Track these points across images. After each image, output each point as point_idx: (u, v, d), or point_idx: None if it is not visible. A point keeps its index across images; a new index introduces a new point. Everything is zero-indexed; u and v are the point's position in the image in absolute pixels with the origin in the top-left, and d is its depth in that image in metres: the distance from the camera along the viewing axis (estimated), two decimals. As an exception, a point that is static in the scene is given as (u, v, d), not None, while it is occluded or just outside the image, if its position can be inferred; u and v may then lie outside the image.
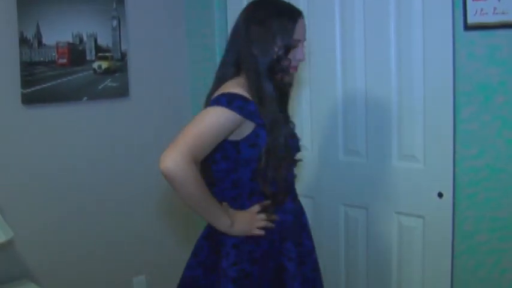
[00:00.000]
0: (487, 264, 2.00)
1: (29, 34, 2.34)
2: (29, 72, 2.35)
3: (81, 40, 2.51)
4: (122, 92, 2.67)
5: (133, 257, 2.77)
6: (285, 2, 1.62)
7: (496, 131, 1.93)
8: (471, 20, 1.91)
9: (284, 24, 1.54)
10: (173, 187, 1.46)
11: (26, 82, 2.35)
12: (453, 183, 2.04)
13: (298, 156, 1.71)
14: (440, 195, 2.06)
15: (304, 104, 2.44)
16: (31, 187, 2.42)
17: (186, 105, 2.88)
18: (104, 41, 2.58)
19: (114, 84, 2.64)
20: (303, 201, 1.78)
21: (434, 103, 2.05)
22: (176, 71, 2.88)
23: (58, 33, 2.43)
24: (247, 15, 1.59)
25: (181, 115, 2.82)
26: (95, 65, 2.57)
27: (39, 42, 2.37)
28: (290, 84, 1.68)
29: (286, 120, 1.67)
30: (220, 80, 1.61)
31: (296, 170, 1.72)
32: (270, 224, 1.60)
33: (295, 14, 1.57)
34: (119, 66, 2.64)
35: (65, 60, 2.46)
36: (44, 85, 2.41)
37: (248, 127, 1.53)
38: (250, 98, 1.51)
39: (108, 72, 2.61)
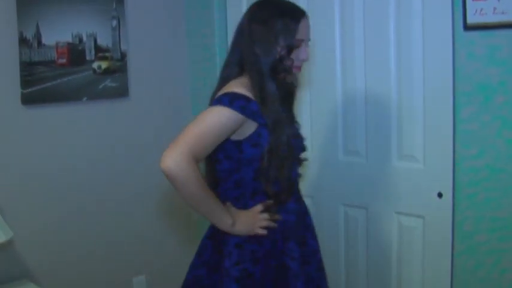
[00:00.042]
0: (487, 264, 2.00)
1: (29, 34, 2.34)
2: (29, 72, 2.35)
3: (80, 40, 2.51)
4: (121, 92, 2.67)
5: (133, 257, 2.76)
6: (289, 2, 1.63)
7: (496, 131, 1.94)
8: (471, 20, 1.91)
9: (287, 24, 1.54)
10: (174, 186, 1.47)
11: (25, 82, 2.35)
12: (453, 183, 2.04)
13: (303, 155, 1.71)
14: (440, 195, 2.06)
15: (304, 104, 2.44)
16: (31, 187, 2.42)
17: (186, 105, 2.88)
18: (104, 41, 2.58)
19: (114, 84, 2.63)
20: (303, 201, 1.79)
21: (434, 103, 2.05)
22: (176, 71, 2.88)
23: (58, 33, 2.43)
24: (251, 15, 1.60)
25: (181, 115, 2.82)
26: (95, 65, 2.56)
27: (39, 42, 2.37)
28: (294, 84, 1.68)
29: (292, 120, 1.68)
30: (224, 80, 1.61)
31: (301, 170, 1.72)
32: (272, 224, 1.60)
33: (298, 14, 1.58)
34: (119, 66, 2.64)
35: (64, 60, 2.46)
36: (44, 85, 2.41)
37: (250, 127, 1.53)
38: (252, 97, 1.52)
39: (107, 72, 2.60)
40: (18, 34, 2.31)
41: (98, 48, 2.56)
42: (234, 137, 1.54)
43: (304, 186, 2.29)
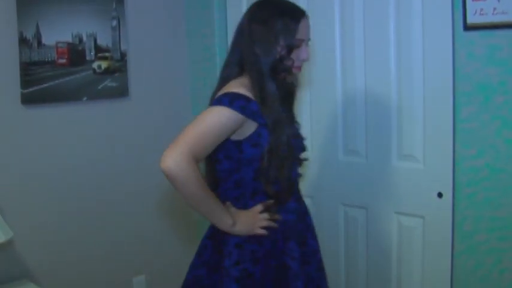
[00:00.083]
0: (487, 264, 2.00)
1: (29, 34, 2.34)
2: (29, 72, 2.35)
3: (80, 40, 2.51)
4: (121, 92, 2.67)
5: (133, 257, 2.76)
6: (289, 1, 1.63)
7: (495, 130, 1.94)
8: (471, 20, 1.91)
9: (287, 24, 1.54)
10: (174, 186, 1.47)
11: (25, 82, 2.35)
12: (453, 183, 2.05)
13: (303, 155, 1.71)
14: (440, 195, 2.07)
15: (304, 104, 2.44)
16: (31, 187, 2.42)
17: (186, 105, 2.88)
18: (104, 41, 2.58)
19: (114, 84, 2.64)
20: (303, 201, 1.79)
21: (434, 103, 2.06)
22: (176, 71, 2.88)
23: (58, 33, 2.43)
24: (251, 15, 1.60)
25: (181, 115, 2.82)
26: (95, 65, 2.56)
27: (39, 42, 2.37)
28: (295, 84, 1.68)
29: (292, 120, 1.68)
30: (224, 80, 1.62)
31: (301, 170, 1.72)
32: (272, 224, 1.60)
33: (298, 14, 1.58)
34: (119, 66, 2.64)
35: (64, 60, 2.46)
36: (44, 85, 2.41)
37: (250, 127, 1.53)
38: (252, 97, 1.52)
39: (107, 72, 2.60)
40: (18, 34, 2.31)
41: (98, 48, 2.56)
42: (234, 137, 1.54)
43: (304, 186, 2.29)
